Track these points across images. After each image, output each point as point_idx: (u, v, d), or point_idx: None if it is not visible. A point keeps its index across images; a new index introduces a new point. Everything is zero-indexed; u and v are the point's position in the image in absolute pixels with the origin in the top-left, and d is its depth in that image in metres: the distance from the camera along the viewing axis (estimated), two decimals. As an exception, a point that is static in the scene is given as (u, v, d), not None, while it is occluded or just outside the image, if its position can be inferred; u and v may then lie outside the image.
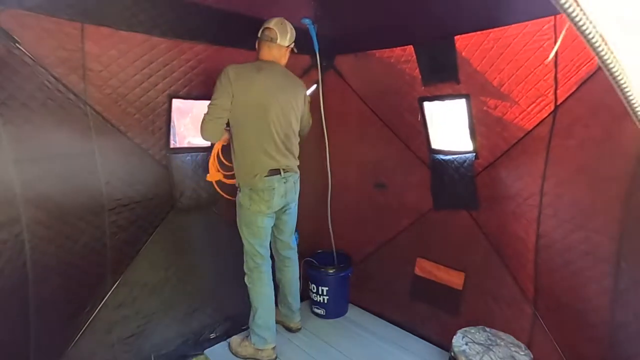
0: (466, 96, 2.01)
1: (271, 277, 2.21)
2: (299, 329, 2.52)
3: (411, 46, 2.07)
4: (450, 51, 1.90)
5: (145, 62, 1.83)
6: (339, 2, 2.22)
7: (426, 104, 2.22)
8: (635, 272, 1.41)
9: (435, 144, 2.32)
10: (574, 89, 1.60)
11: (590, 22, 0.47)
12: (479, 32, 1.77)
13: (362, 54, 2.39)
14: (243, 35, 2.07)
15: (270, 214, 2.08)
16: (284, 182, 2.05)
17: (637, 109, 0.52)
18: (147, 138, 1.98)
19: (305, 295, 2.86)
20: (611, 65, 0.49)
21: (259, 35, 1.98)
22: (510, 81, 1.81)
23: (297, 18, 2.11)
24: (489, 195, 2.13)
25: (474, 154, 2.12)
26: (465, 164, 2.15)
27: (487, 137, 2.05)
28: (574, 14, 0.46)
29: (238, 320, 2.48)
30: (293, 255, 2.42)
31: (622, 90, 0.51)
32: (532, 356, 1.73)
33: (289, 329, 2.51)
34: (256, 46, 2.01)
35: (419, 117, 2.28)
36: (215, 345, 2.34)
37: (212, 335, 2.41)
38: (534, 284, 1.96)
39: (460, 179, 2.18)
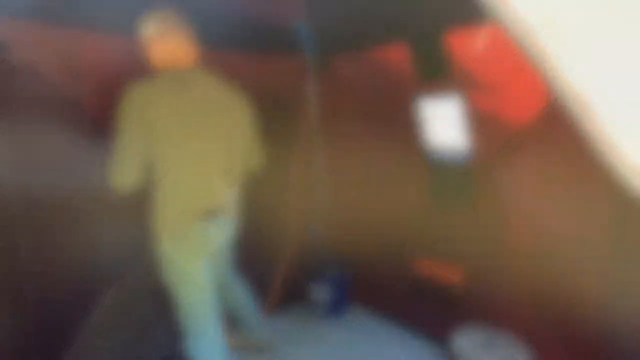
0: (461, 93, 2.00)
1: None
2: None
3: (405, 44, 2.06)
4: (444, 48, 1.89)
5: (142, 66, 1.82)
6: (332, 2, 2.22)
7: (422, 102, 2.22)
8: (630, 262, 1.41)
9: (433, 142, 2.31)
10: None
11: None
12: (471, 29, 1.77)
13: (357, 53, 2.39)
14: (233, 38, 2.07)
15: None
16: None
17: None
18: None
19: (305, 295, 2.86)
20: None
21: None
22: (505, 76, 1.80)
23: (289, 19, 2.11)
24: (486, 192, 2.12)
25: (471, 151, 2.12)
26: (463, 161, 2.15)
27: (483, 134, 2.04)
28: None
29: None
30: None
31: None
32: (532, 356, 1.73)
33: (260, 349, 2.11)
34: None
35: (415, 115, 2.27)
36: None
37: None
38: (532, 279, 1.96)
39: (458, 176, 2.18)
